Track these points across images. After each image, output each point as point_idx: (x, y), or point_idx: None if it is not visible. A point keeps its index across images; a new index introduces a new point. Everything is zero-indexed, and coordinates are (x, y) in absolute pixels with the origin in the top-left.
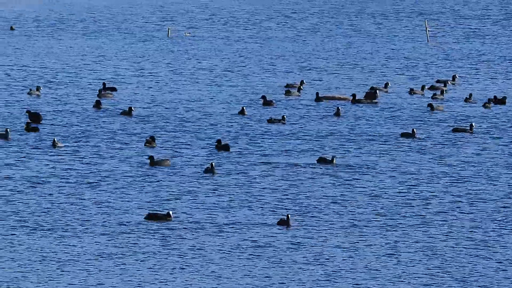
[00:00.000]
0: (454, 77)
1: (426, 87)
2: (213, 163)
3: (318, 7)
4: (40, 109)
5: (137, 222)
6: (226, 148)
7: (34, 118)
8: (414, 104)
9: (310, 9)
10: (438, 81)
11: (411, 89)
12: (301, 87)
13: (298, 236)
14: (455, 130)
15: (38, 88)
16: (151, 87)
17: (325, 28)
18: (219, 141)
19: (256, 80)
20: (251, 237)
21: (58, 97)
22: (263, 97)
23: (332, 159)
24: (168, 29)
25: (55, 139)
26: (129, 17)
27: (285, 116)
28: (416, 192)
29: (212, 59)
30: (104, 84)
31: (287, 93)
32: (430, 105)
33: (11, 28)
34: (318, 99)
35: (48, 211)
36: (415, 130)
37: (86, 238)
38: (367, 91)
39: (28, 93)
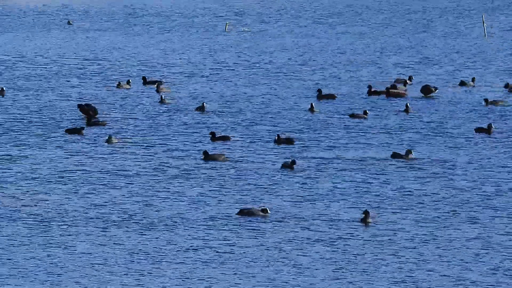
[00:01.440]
0: None
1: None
2: (295, 159)
3: (388, 2)
4: (95, 102)
5: (230, 217)
6: (289, 142)
7: (87, 112)
8: (471, 98)
9: (380, 4)
10: None
11: (507, 84)
12: (409, 82)
13: (379, 231)
14: None
15: (128, 82)
16: (206, 82)
17: (396, 24)
18: (278, 136)
19: (325, 75)
20: (333, 232)
21: (124, 91)
22: (319, 90)
23: (406, 154)
24: (226, 24)
25: (111, 135)
26: (194, 11)
27: (367, 111)
28: (496, 186)
29: (274, 54)
30: (144, 78)
31: (393, 87)
32: (485, 100)
33: (68, 23)
34: (370, 93)
35: (131, 206)
36: (492, 125)
37: (177, 234)
38: (423, 85)
39: (117, 86)
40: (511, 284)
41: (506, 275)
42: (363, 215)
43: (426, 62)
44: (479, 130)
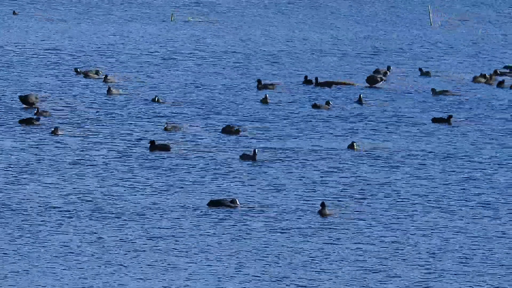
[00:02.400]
0: None
1: (487, 74)
2: (256, 149)
3: None
4: (33, 92)
5: (199, 208)
6: (235, 132)
7: (29, 103)
8: (417, 88)
9: None
10: (505, 67)
11: (477, 76)
12: (388, 73)
13: (338, 223)
14: None
15: (97, 72)
16: (154, 72)
17: (350, 13)
18: (228, 126)
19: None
20: (293, 223)
21: (70, 82)
22: (259, 81)
23: (352, 145)
24: (172, 13)
25: (57, 126)
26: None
27: (330, 102)
28: (458, 175)
29: (227, 43)
30: (76, 69)
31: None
32: (433, 89)
33: (14, 13)
34: (317, 84)
35: (92, 197)
36: (452, 116)
37: (147, 225)
38: (368, 75)
39: (85, 76)
40: (481, 272)
41: (474, 262)
42: (320, 207)
43: (374, 52)
44: (437, 120)
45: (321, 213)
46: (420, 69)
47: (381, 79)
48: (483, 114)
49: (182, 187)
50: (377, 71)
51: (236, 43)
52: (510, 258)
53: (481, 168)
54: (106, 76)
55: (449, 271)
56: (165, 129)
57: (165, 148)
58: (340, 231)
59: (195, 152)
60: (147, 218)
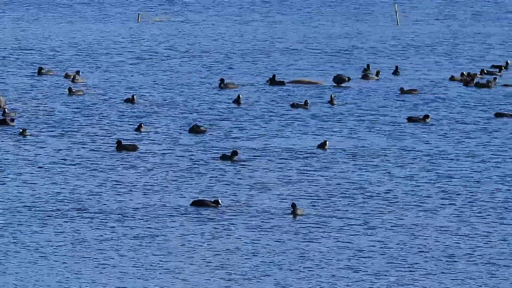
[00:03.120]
0: (507, 63)
1: (466, 72)
2: (236, 150)
3: None
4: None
5: (184, 208)
6: (201, 131)
7: None
8: (385, 88)
9: None
10: (492, 66)
11: (452, 76)
12: (379, 71)
13: (310, 223)
14: (498, 114)
15: (78, 72)
16: (122, 72)
17: (319, 13)
18: (196, 125)
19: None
20: (267, 223)
21: (37, 82)
22: (221, 80)
23: (324, 143)
24: (138, 14)
25: (25, 128)
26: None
27: (308, 101)
28: (435, 173)
29: (197, 43)
30: (40, 68)
31: (365, 77)
32: (401, 88)
33: None
34: (273, 82)
35: (72, 198)
36: (428, 115)
37: (131, 225)
38: (335, 75)
39: (65, 77)
40: (460, 270)
41: (450, 259)
42: (292, 208)
43: (343, 51)
44: (412, 119)
45: (293, 214)
46: (396, 67)
47: (348, 79)
48: (454, 112)
49: (161, 188)
50: (365, 70)
51: (205, 43)
52: (490, 255)
53: (458, 166)
54: (74, 76)
55: (423, 268)
56: (137, 129)
57: (133, 148)
58: (314, 230)
59: (165, 152)
60: (130, 218)
